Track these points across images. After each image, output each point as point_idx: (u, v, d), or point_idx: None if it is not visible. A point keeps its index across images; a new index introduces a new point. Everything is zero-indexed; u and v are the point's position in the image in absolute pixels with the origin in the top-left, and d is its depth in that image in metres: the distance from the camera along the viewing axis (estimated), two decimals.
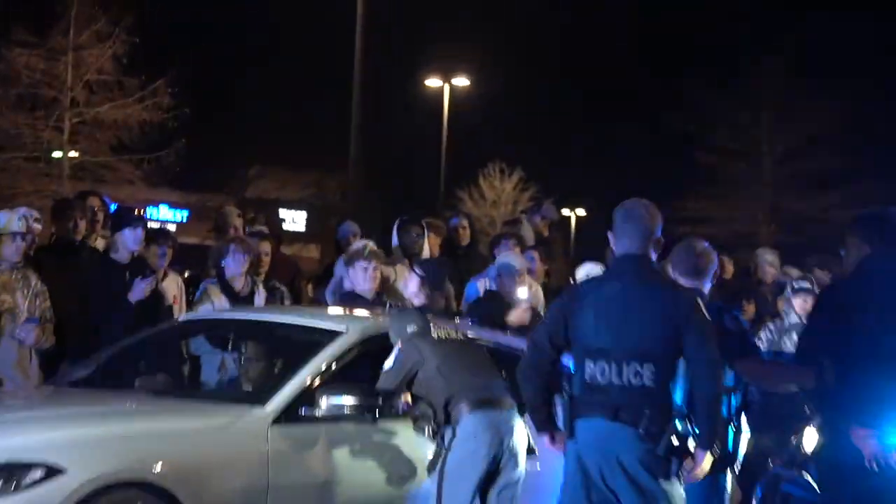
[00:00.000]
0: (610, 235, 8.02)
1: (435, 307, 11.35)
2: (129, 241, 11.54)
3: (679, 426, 7.63)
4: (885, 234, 8.27)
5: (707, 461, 7.72)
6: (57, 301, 11.14)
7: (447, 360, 8.94)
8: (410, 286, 11.77)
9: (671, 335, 7.70)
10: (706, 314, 7.80)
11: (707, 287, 8.63)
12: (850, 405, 8.02)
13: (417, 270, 11.73)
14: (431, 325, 9.24)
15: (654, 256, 8.01)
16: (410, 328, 9.11)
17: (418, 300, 11.52)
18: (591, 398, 7.76)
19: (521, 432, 8.83)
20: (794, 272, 13.68)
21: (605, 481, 7.72)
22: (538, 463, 9.05)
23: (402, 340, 9.06)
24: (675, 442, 7.61)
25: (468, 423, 8.71)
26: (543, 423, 8.00)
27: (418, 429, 9.00)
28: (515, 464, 8.78)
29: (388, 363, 9.00)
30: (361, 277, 11.50)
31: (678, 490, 7.71)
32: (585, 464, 7.77)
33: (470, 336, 9.58)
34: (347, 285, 11.65)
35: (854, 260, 8.41)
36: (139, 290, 11.31)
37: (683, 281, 8.48)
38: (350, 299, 11.40)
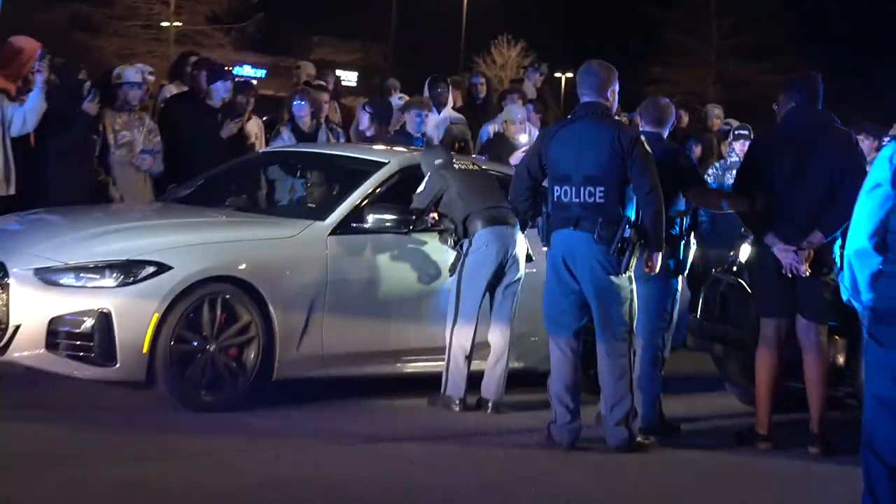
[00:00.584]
0: None
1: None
2: (220, 91, 11.48)
3: (627, 233, 7.64)
4: (805, 92, 8.24)
5: (658, 259, 7.79)
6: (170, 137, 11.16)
7: (465, 186, 8.93)
8: (362, 122, 11.85)
9: (618, 164, 7.68)
10: (646, 148, 7.75)
11: (666, 133, 8.58)
12: (774, 226, 8.03)
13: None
14: (454, 159, 9.22)
15: (614, 105, 7.96)
16: (437, 161, 9.09)
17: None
18: (559, 214, 7.81)
19: (522, 243, 8.84)
20: (735, 122, 13.59)
21: (573, 275, 7.78)
22: (535, 268, 9.05)
23: (431, 171, 9.05)
24: (623, 245, 7.63)
25: (481, 235, 8.72)
26: (524, 228, 8.20)
27: (443, 240, 9.00)
28: (517, 268, 8.80)
29: (420, 188, 9.00)
30: (416, 121, 11.49)
31: (625, 282, 7.76)
32: (558, 264, 7.83)
33: (483, 167, 9.55)
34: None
35: (783, 112, 8.41)
36: (228, 129, 11.32)
37: (649, 128, 8.43)
38: (402, 136, 11.40)
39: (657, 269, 7.85)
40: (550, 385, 7.94)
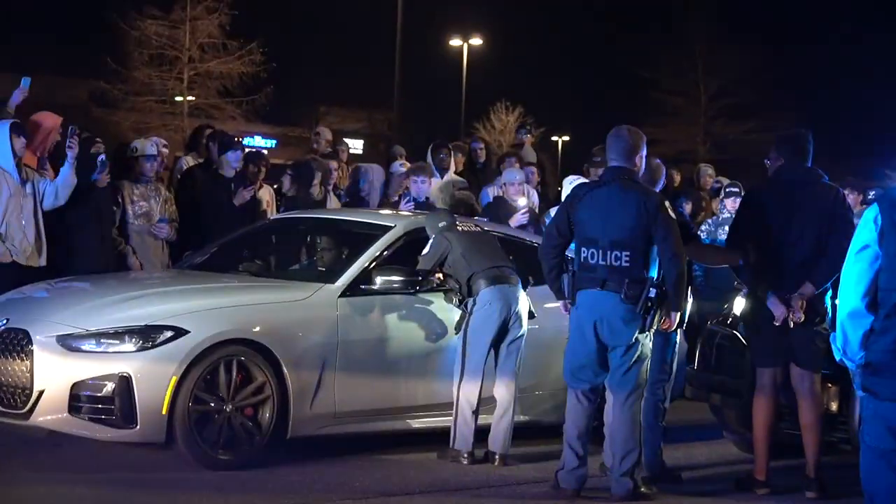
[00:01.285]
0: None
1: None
2: (231, 161, 11.50)
3: (652, 293, 7.62)
4: (795, 149, 8.26)
5: (676, 318, 7.80)
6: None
7: (469, 247, 8.90)
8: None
9: (643, 229, 7.66)
10: (670, 213, 7.74)
11: (658, 189, 8.55)
12: (767, 278, 7.99)
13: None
14: (457, 221, 9.20)
15: (641, 169, 7.93)
16: (441, 223, 9.07)
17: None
18: (585, 274, 7.76)
19: (524, 301, 8.80)
20: (726, 180, 13.59)
21: (597, 334, 7.75)
22: (537, 325, 9.02)
23: (435, 233, 9.03)
24: (649, 304, 7.62)
25: (484, 294, 8.69)
26: (558, 293, 7.98)
27: (448, 299, 8.98)
28: (520, 325, 8.76)
29: (425, 250, 8.98)
30: (418, 187, 11.51)
31: (648, 340, 7.76)
32: (583, 321, 7.80)
33: (486, 229, 9.52)
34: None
35: (773, 167, 8.42)
36: (241, 196, 11.30)
37: None
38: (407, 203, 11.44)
39: (674, 327, 7.84)
40: (565, 432, 7.91)
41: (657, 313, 7.67)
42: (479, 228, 9.36)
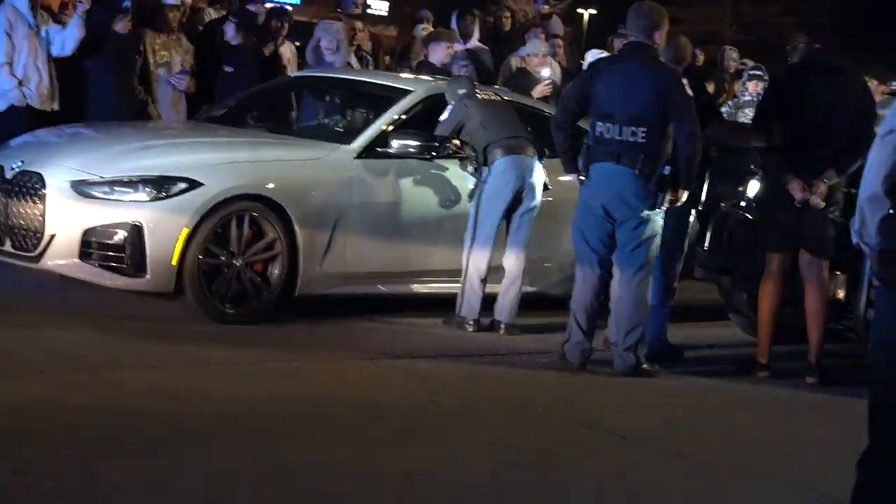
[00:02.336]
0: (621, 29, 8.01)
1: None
2: (252, 10, 11.36)
3: (666, 171, 7.57)
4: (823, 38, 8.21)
5: (684, 195, 7.75)
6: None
7: (487, 116, 8.79)
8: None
9: (660, 106, 7.57)
10: (687, 90, 7.66)
11: (682, 68, 8.42)
12: (791, 163, 7.95)
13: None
14: (477, 89, 9.07)
15: (657, 44, 7.82)
16: (461, 90, 8.95)
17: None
18: (600, 149, 7.68)
19: (539, 173, 8.71)
20: (749, 62, 13.39)
21: (606, 209, 7.68)
22: (551, 197, 8.95)
23: (454, 100, 8.91)
24: (662, 181, 7.58)
25: (500, 164, 8.60)
26: (569, 165, 7.92)
27: (463, 166, 8.89)
28: (533, 196, 8.68)
29: (443, 116, 8.87)
30: (440, 52, 11.31)
31: (659, 217, 7.71)
32: (593, 194, 7.73)
33: (506, 98, 9.39)
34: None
35: (797, 53, 8.30)
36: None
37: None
38: (424, 67, 11.25)
39: (680, 202, 7.79)
40: (571, 304, 7.89)
41: (666, 191, 7.62)
42: (498, 97, 9.23)
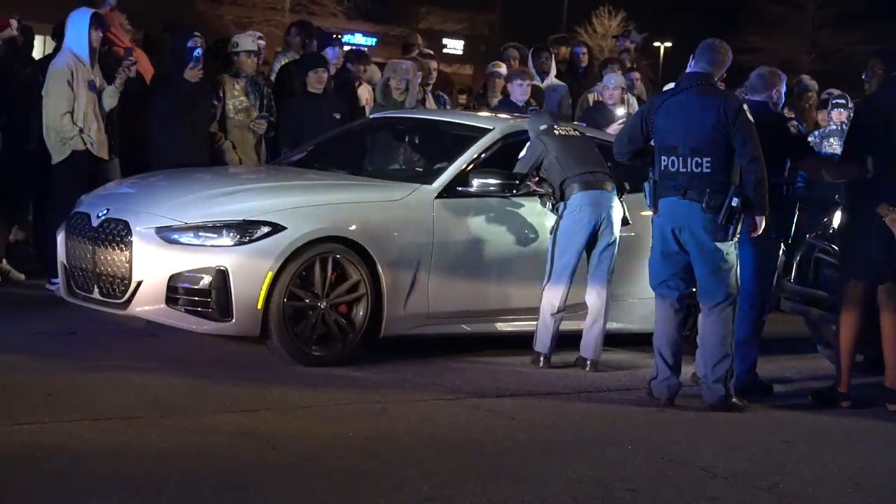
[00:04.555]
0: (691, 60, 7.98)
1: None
2: (331, 57, 11.45)
3: (735, 202, 7.53)
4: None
5: (762, 222, 7.67)
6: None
7: (564, 151, 8.82)
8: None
9: (722, 134, 7.58)
10: (749, 117, 7.62)
11: (773, 100, 8.35)
12: (885, 192, 7.92)
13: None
14: (556, 125, 9.10)
15: (721, 83, 7.87)
16: (541, 126, 8.99)
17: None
18: (666, 182, 7.71)
19: (618, 208, 8.73)
20: (836, 91, 13.29)
21: (679, 241, 7.71)
22: (633, 232, 8.96)
23: (534, 136, 8.96)
24: (731, 213, 7.54)
25: (576, 199, 8.65)
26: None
27: (542, 203, 8.92)
28: (611, 231, 8.69)
29: (523, 153, 8.92)
30: (518, 91, 11.38)
31: (732, 248, 7.68)
32: (665, 230, 7.75)
33: (584, 133, 9.42)
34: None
35: (876, 80, 8.22)
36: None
37: (757, 97, 8.28)
38: (505, 107, 11.33)
39: (760, 232, 7.72)
40: (654, 341, 7.90)
41: (740, 222, 7.58)
42: (577, 133, 9.26)
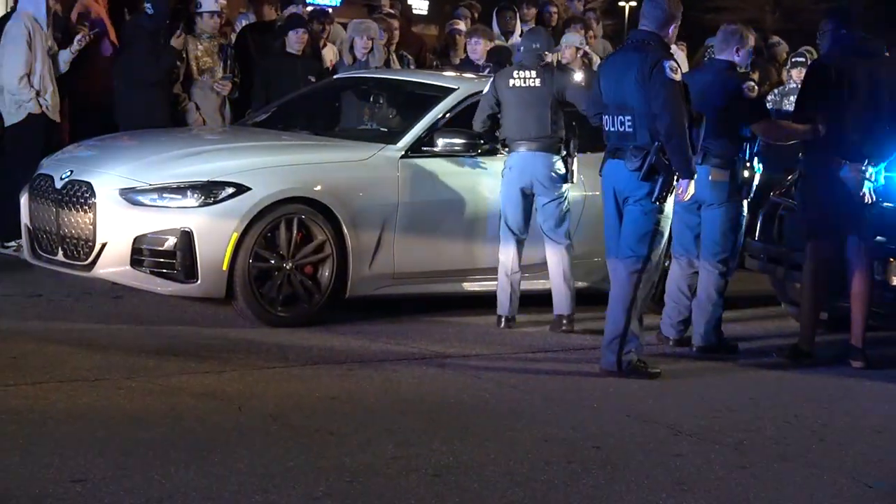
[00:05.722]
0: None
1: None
2: (293, 41, 11.35)
3: (653, 160, 7.33)
4: (848, 21, 8.22)
5: (686, 187, 7.46)
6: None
7: (508, 108, 8.66)
8: None
9: (642, 91, 7.41)
10: (668, 75, 7.32)
11: (738, 59, 8.31)
12: (837, 148, 8.00)
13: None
14: (515, 72, 8.89)
15: (672, 40, 7.73)
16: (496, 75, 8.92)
17: None
18: (607, 143, 7.67)
19: (555, 166, 8.55)
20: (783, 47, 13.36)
21: (617, 200, 7.60)
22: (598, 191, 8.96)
23: (488, 85, 8.85)
24: (651, 173, 7.35)
25: (508, 159, 8.67)
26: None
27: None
28: (547, 190, 8.57)
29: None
30: (475, 49, 11.33)
31: (656, 211, 7.45)
32: (606, 191, 7.70)
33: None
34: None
35: (827, 40, 8.31)
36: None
37: (723, 56, 8.28)
38: (465, 65, 11.28)
39: (686, 198, 7.53)
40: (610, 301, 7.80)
41: (666, 183, 7.36)
42: (534, 84, 9.03)
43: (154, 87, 10.32)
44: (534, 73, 8.64)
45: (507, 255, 8.67)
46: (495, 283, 8.82)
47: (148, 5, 10.35)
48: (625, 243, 7.54)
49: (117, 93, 10.40)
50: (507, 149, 8.71)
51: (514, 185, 8.62)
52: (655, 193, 7.40)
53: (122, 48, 10.60)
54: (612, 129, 7.56)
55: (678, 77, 7.41)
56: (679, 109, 7.35)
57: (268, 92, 10.66)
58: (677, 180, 7.42)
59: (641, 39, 7.60)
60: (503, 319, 8.70)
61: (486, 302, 8.86)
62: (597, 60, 12.11)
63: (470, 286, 9.01)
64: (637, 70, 7.41)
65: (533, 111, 8.58)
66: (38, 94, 9.80)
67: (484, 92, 8.80)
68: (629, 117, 7.45)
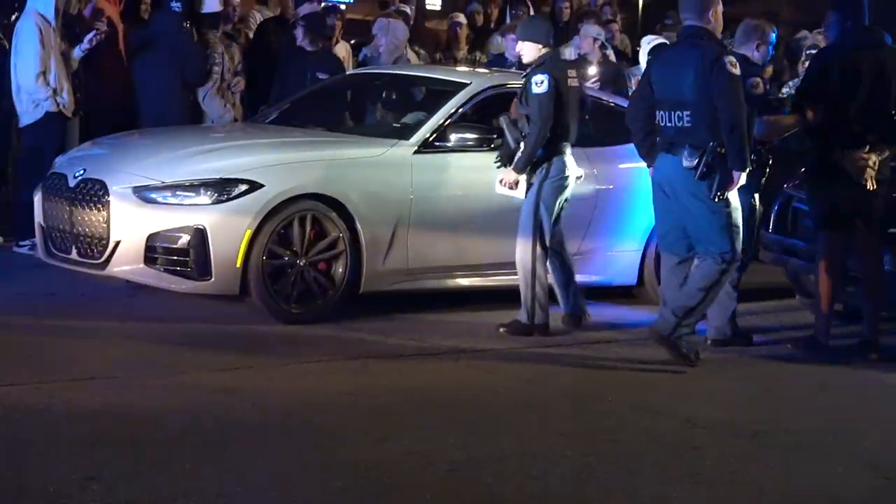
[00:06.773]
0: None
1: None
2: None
3: (710, 157, 7.39)
4: (852, 12, 8.25)
5: (738, 178, 7.49)
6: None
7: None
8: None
9: (701, 86, 7.44)
10: (729, 68, 7.38)
11: (757, 55, 8.29)
12: (839, 139, 8.03)
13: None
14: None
15: (719, 26, 7.72)
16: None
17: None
18: (661, 138, 7.68)
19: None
20: (809, 41, 13.26)
21: (668, 194, 7.66)
22: (611, 185, 8.94)
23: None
24: (708, 170, 7.40)
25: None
26: (645, 157, 7.90)
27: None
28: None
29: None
30: (511, 46, 11.30)
31: (718, 207, 7.51)
32: (657, 186, 7.75)
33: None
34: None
35: (833, 33, 8.36)
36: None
37: (741, 50, 8.24)
38: (496, 61, 11.28)
39: (734, 188, 7.56)
40: (660, 293, 7.99)
41: (721, 181, 7.41)
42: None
43: (168, 83, 10.36)
44: None
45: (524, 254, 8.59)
46: (507, 277, 8.79)
47: (176, 4, 10.37)
48: (706, 241, 7.59)
49: (144, 92, 10.42)
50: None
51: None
52: (713, 191, 7.45)
53: (149, 46, 10.58)
54: (668, 124, 7.58)
55: (737, 71, 7.46)
56: (740, 103, 7.44)
57: (283, 88, 10.68)
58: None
59: (691, 35, 7.65)
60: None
61: (500, 297, 8.85)
62: (611, 54, 12.11)
63: (483, 281, 9.00)
64: (696, 66, 7.46)
65: None
66: (54, 91, 9.83)
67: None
68: (688, 112, 7.49)
